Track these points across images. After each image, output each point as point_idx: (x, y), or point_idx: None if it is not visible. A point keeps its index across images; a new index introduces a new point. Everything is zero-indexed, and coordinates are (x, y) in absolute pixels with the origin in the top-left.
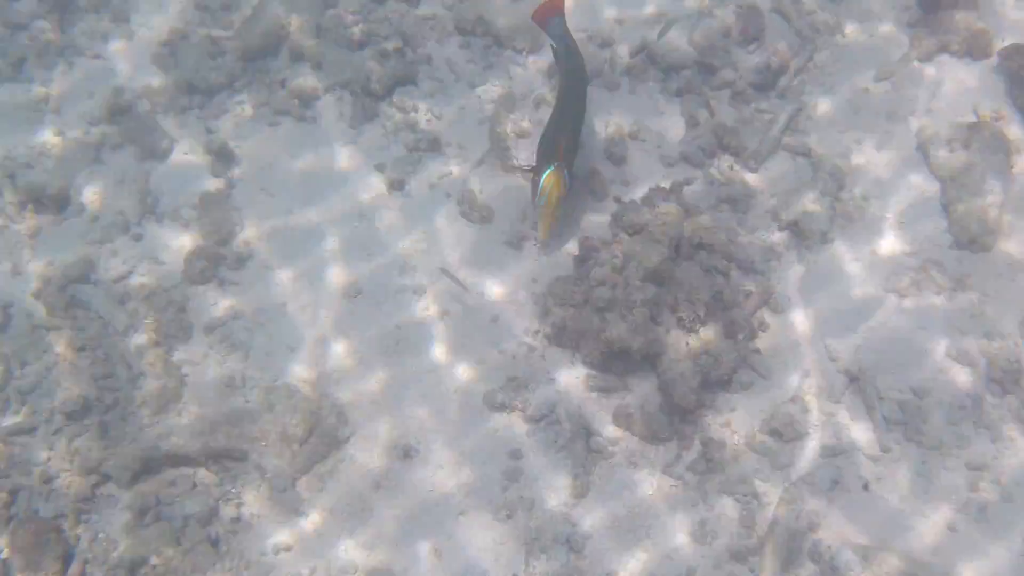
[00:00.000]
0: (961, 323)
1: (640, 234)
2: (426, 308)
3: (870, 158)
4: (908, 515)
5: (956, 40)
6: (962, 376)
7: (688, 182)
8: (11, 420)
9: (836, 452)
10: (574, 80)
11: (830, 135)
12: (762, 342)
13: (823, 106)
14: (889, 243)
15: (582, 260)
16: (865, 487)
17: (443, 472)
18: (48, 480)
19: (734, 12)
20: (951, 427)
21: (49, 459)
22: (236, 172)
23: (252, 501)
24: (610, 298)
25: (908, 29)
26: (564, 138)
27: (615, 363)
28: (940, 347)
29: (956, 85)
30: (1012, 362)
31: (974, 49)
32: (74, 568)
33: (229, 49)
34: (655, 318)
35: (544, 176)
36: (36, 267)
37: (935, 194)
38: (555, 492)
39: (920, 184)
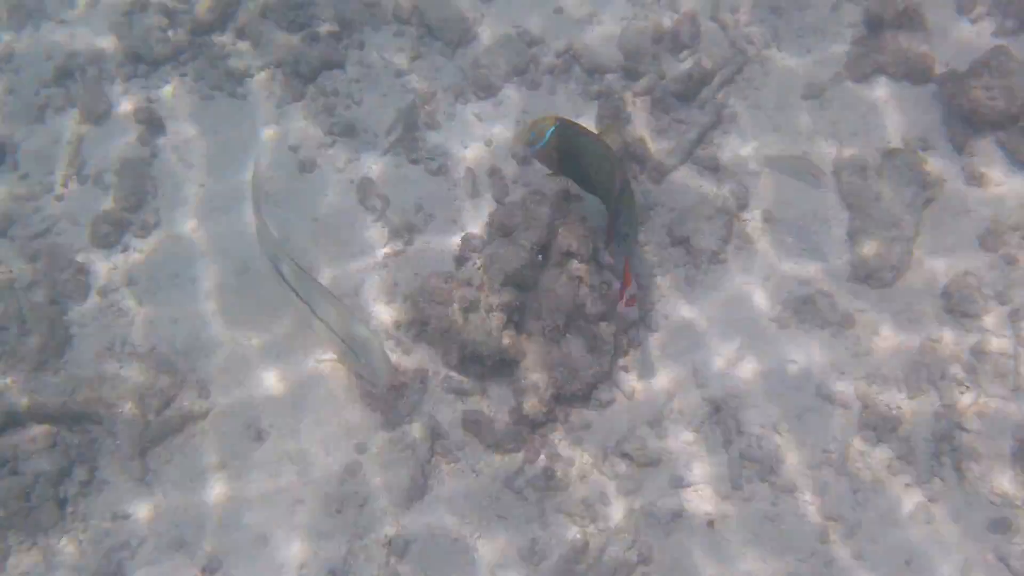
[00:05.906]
0: (842, 362)
1: (508, 236)
2: None
3: (778, 180)
4: (748, 559)
5: (895, 62)
6: (833, 418)
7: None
8: None
9: (684, 484)
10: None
11: (743, 153)
12: (631, 360)
13: (743, 120)
14: (785, 268)
15: (461, 260)
16: (709, 524)
17: (284, 463)
18: None
19: (670, 18)
20: (810, 471)
21: None
22: (161, 141)
23: (104, 466)
24: (473, 300)
25: (852, 48)
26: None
27: (474, 366)
28: (812, 385)
29: (889, 108)
30: (891, 408)
31: (913, 73)
32: None
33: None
34: (520, 325)
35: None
36: None
37: (843, 222)
38: (389, 492)
39: (828, 211)
